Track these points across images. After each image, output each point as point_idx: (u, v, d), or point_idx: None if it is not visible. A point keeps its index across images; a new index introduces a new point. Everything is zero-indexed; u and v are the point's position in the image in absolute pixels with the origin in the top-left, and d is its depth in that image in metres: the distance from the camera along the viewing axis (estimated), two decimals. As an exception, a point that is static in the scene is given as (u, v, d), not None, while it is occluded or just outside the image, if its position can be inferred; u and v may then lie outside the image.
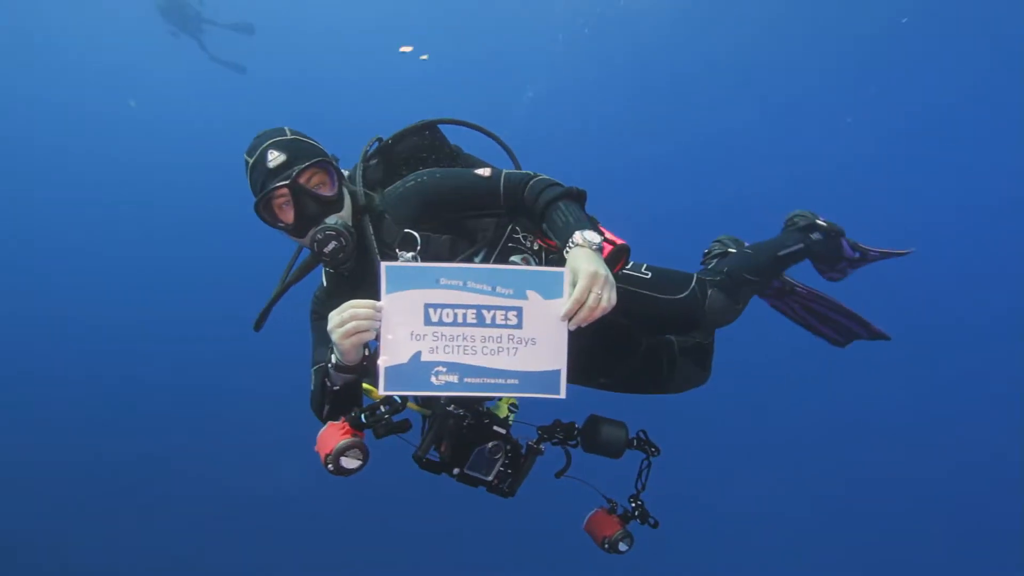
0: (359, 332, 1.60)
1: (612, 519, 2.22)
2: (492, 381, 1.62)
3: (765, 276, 2.56)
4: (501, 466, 2.04)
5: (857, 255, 2.83)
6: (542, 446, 2.12)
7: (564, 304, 1.57)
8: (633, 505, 2.23)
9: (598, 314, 1.57)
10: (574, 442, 2.20)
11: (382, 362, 1.62)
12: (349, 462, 1.60)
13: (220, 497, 6.73)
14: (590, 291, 1.55)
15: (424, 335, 1.61)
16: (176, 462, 7.01)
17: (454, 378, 1.63)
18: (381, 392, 1.64)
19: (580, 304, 1.55)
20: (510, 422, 2.07)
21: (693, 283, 2.26)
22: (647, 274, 2.24)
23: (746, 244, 2.75)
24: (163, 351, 8.49)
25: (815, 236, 2.70)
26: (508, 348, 1.61)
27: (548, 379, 1.62)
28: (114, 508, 6.65)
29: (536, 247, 2.16)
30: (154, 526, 6.53)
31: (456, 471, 1.99)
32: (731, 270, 2.41)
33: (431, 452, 1.97)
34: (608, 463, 2.27)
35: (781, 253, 2.59)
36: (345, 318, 1.60)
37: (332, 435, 1.66)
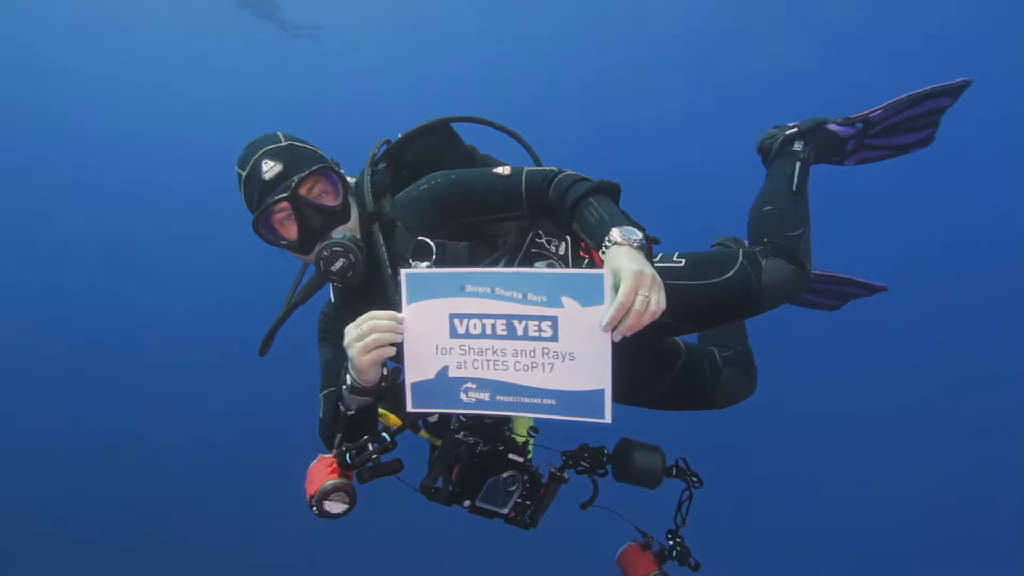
0: (379, 346, 1.44)
1: (647, 556, 1.98)
2: (526, 400, 1.44)
3: (803, 220, 2.17)
4: (519, 498, 1.83)
5: (859, 126, 2.37)
6: (566, 474, 1.91)
7: (606, 311, 1.33)
8: (671, 542, 1.99)
9: (646, 320, 1.33)
10: (603, 470, 1.96)
11: (408, 378, 1.47)
12: (334, 506, 1.43)
13: (219, 534, 6.57)
14: (636, 293, 1.31)
15: (450, 348, 1.45)
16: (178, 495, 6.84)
17: (485, 395, 1.46)
18: (409, 409, 1.49)
19: (625, 309, 1.31)
20: (529, 448, 1.87)
21: (740, 258, 1.95)
22: (680, 261, 1.95)
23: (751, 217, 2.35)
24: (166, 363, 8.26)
25: (798, 146, 2.29)
26: (543, 364, 1.41)
27: (590, 400, 1.40)
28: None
29: (562, 252, 1.93)
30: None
31: (467, 503, 1.80)
32: (771, 235, 2.06)
33: (440, 482, 1.79)
34: (643, 489, 2.02)
35: (794, 187, 2.19)
36: (364, 331, 1.43)
37: (319, 472, 1.49)
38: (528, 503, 1.84)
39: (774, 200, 2.20)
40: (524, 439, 1.88)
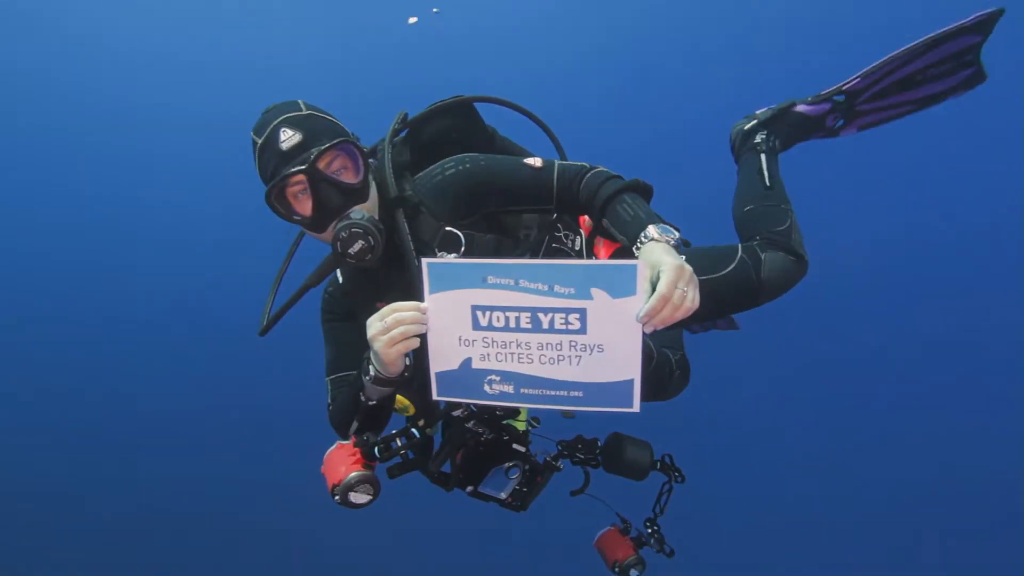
0: (406, 339, 1.41)
1: (625, 541, 2.12)
2: (552, 393, 1.44)
3: (785, 213, 2.14)
4: (517, 485, 1.92)
5: (838, 99, 2.27)
6: (560, 462, 2.00)
7: (646, 302, 1.31)
8: (649, 530, 2.12)
9: (679, 315, 1.32)
10: (595, 461, 2.06)
11: (432, 368, 1.46)
12: (358, 497, 1.46)
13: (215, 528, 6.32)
14: (676, 287, 1.31)
15: (473, 341, 1.43)
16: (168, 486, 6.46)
17: (509, 388, 1.45)
18: (434, 399, 1.49)
19: (667, 301, 1.29)
20: (529, 438, 1.94)
21: (740, 253, 1.98)
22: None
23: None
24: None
25: (759, 138, 2.27)
26: (570, 356, 1.41)
27: (618, 391, 1.40)
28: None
29: (577, 247, 1.95)
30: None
31: (469, 489, 1.87)
32: (761, 233, 2.06)
33: (446, 466, 1.85)
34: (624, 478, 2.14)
35: (766, 181, 2.15)
36: (390, 323, 1.40)
37: (342, 461, 1.51)
38: (524, 490, 1.92)
39: (752, 198, 2.19)
40: (525, 427, 1.96)
